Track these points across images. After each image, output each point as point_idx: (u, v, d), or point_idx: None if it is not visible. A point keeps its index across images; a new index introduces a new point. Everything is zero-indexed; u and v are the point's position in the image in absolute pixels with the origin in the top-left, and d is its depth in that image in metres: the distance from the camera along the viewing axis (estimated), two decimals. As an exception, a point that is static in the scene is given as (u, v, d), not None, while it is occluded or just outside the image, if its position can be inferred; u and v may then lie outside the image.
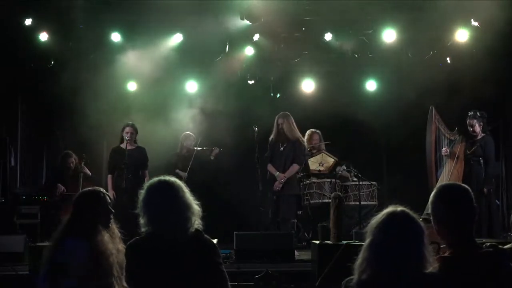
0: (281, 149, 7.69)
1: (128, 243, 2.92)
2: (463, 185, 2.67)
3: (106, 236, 3.33)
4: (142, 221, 2.87)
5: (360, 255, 2.43)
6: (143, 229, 2.87)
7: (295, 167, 7.72)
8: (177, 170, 8.03)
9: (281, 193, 7.65)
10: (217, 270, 2.87)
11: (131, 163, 7.47)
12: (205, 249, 2.87)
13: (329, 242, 5.38)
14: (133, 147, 7.68)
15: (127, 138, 7.55)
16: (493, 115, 7.90)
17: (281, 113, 7.90)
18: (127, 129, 7.65)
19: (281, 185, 7.61)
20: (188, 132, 8.58)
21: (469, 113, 7.52)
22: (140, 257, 2.84)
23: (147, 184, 2.95)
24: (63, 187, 8.03)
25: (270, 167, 7.74)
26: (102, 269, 3.18)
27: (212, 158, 8.37)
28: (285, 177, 7.62)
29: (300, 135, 7.86)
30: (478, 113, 7.48)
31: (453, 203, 2.55)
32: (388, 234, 2.38)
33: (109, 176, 7.73)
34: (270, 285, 3.62)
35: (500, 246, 2.54)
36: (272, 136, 7.85)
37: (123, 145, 7.62)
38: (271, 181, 7.73)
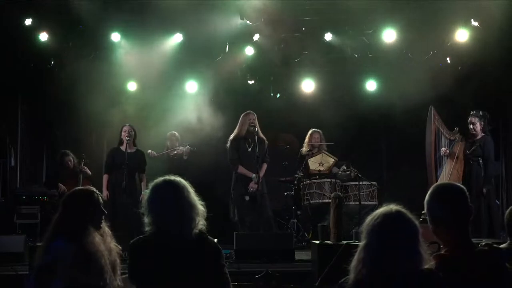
0: (249, 149, 7.37)
1: (131, 241, 2.92)
2: (458, 184, 2.69)
3: (97, 237, 3.28)
4: (146, 220, 2.88)
5: (355, 256, 2.44)
6: (147, 228, 2.88)
7: (265, 166, 7.58)
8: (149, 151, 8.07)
9: (257, 192, 7.33)
10: (219, 272, 2.87)
11: (130, 165, 7.43)
12: (208, 250, 2.88)
13: (329, 242, 5.38)
14: (133, 150, 7.66)
15: (127, 138, 7.53)
16: (493, 115, 7.91)
17: (249, 111, 7.61)
18: (125, 128, 7.62)
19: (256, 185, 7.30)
20: (172, 132, 8.56)
21: (472, 112, 7.55)
22: (143, 255, 2.85)
23: (152, 183, 2.96)
24: (64, 187, 8.03)
25: (242, 169, 7.43)
26: (93, 269, 3.15)
27: (185, 157, 8.21)
28: (261, 177, 7.39)
29: None
30: (480, 112, 7.52)
31: (448, 203, 2.57)
32: (382, 234, 2.38)
33: (105, 176, 7.66)
34: (270, 285, 3.61)
35: (495, 245, 2.56)
36: (235, 136, 7.52)
37: (122, 147, 7.60)
38: (243, 182, 7.44)
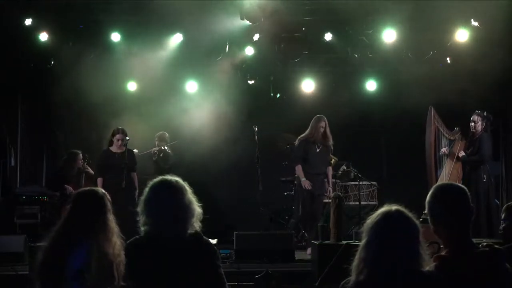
0: (317, 150, 7.52)
1: (128, 241, 2.91)
2: (460, 185, 2.69)
3: (106, 237, 3.27)
4: (141, 220, 2.87)
5: (356, 255, 2.44)
6: (142, 228, 2.87)
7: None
8: None
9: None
10: (215, 272, 2.85)
11: (115, 164, 7.33)
12: (203, 250, 2.87)
13: (329, 242, 5.39)
14: (123, 150, 7.54)
15: (119, 145, 7.48)
16: (493, 115, 7.92)
17: (320, 116, 7.64)
18: (118, 136, 7.49)
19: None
20: (161, 132, 8.55)
21: (476, 111, 7.59)
22: (138, 256, 2.84)
23: (150, 183, 2.94)
24: (71, 188, 7.98)
25: (300, 168, 7.50)
26: (105, 270, 3.13)
27: (154, 159, 8.22)
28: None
29: None
30: (485, 113, 7.57)
31: (449, 203, 2.56)
32: (383, 234, 2.38)
33: (100, 179, 7.46)
34: (270, 285, 3.62)
35: (496, 246, 2.55)
36: (305, 137, 7.59)
37: (112, 148, 7.51)
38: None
